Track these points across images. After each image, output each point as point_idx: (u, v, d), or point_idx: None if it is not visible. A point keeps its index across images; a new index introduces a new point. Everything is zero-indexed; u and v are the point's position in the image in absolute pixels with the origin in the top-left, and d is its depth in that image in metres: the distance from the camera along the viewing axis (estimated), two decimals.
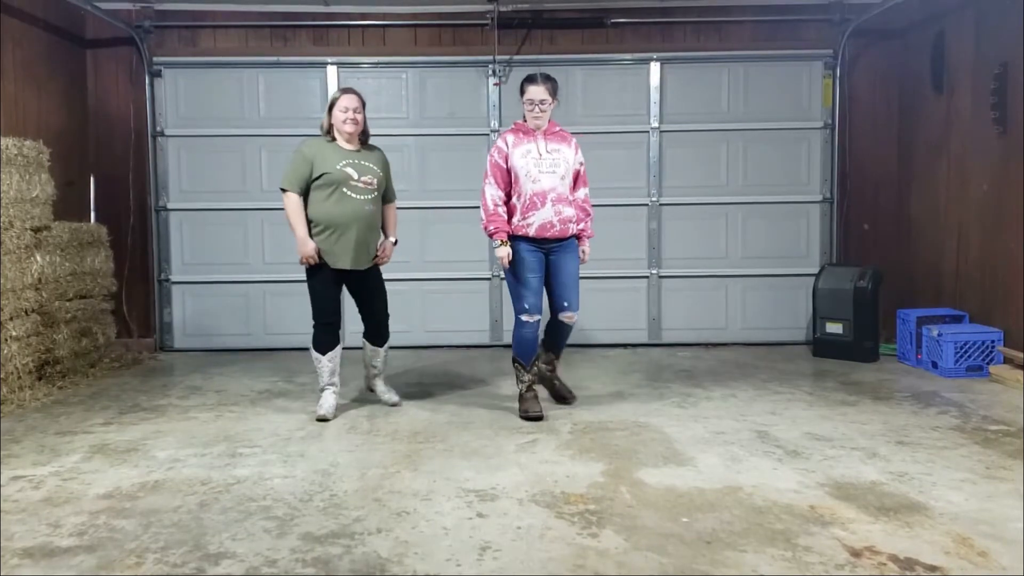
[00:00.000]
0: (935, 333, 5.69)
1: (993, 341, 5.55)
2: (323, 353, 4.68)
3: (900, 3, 6.23)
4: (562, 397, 4.94)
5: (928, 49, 6.46)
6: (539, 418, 4.52)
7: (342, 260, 4.55)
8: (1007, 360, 5.49)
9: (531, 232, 4.51)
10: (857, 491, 3.36)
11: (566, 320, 4.67)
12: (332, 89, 6.86)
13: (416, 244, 6.90)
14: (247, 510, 3.21)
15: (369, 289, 4.75)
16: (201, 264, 6.99)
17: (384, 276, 4.85)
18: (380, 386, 4.95)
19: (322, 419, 4.56)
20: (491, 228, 4.56)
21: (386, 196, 4.78)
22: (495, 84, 6.89)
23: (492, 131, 6.92)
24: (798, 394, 5.16)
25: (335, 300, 4.67)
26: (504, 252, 4.53)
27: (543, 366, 4.87)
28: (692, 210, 7.02)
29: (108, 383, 5.64)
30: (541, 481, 3.52)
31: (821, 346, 6.40)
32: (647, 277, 7.05)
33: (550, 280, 4.63)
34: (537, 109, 4.53)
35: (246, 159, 6.96)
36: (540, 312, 4.60)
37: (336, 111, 4.56)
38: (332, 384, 4.73)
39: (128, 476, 3.64)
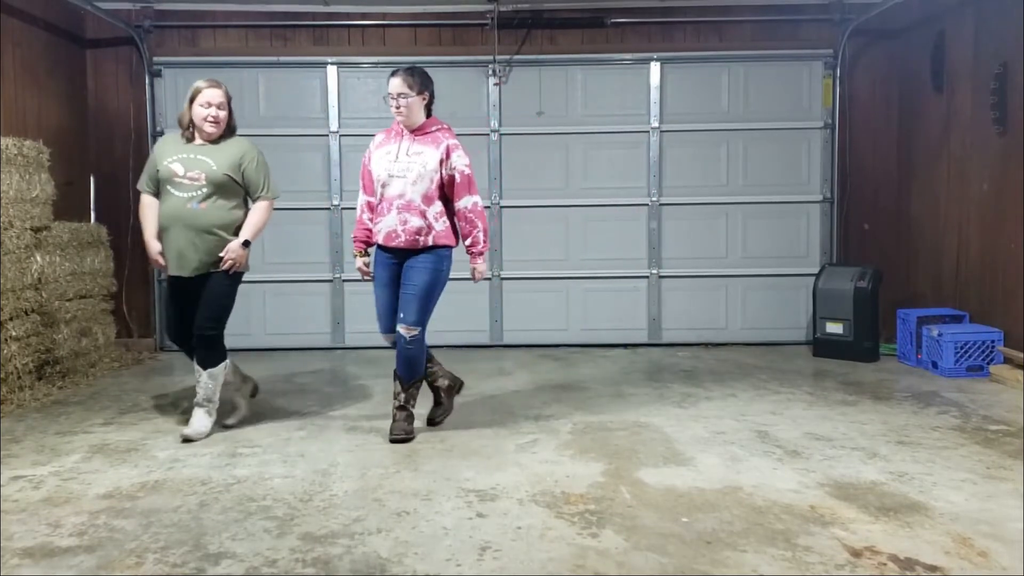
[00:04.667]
0: (935, 333, 5.69)
1: (993, 341, 5.55)
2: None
3: (900, 3, 6.23)
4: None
5: (928, 49, 6.45)
6: (399, 440, 4.11)
7: (170, 265, 4.14)
8: (1007, 360, 5.49)
9: (379, 240, 4.16)
10: (857, 491, 3.36)
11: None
12: (332, 89, 6.87)
13: None
14: (247, 510, 3.21)
15: (198, 298, 4.16)
16: None
17: None
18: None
19: (186, 439, 4.10)
20: (352, 236, 4.31)
21: (251, 194, 4.22)
22: (495, 84, 6.89)
23: (492, 131, 6.92)
24: (798, 394, 5.16)
25: (175, 310, 4.22)
26: (358, 263, 4.29)
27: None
28: (692, 210, 7.02)
29: (108, 383, 5.64)
30: (541, 481, 3.52)
31: (821, 346, 6.40)
32: (647, 277, 7.04)
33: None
34: (394, 104, 4.11)
35: None
36: (392, 332, 4.18)
37: (197, 105, 4.06)
38: (202, 404, 4.21)
39: (128, 476, 3.64)
